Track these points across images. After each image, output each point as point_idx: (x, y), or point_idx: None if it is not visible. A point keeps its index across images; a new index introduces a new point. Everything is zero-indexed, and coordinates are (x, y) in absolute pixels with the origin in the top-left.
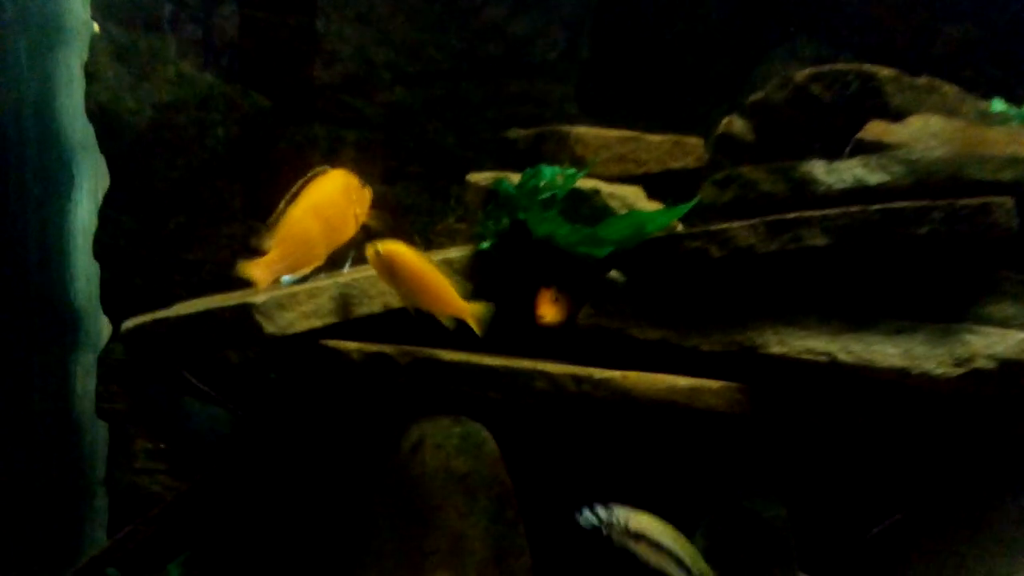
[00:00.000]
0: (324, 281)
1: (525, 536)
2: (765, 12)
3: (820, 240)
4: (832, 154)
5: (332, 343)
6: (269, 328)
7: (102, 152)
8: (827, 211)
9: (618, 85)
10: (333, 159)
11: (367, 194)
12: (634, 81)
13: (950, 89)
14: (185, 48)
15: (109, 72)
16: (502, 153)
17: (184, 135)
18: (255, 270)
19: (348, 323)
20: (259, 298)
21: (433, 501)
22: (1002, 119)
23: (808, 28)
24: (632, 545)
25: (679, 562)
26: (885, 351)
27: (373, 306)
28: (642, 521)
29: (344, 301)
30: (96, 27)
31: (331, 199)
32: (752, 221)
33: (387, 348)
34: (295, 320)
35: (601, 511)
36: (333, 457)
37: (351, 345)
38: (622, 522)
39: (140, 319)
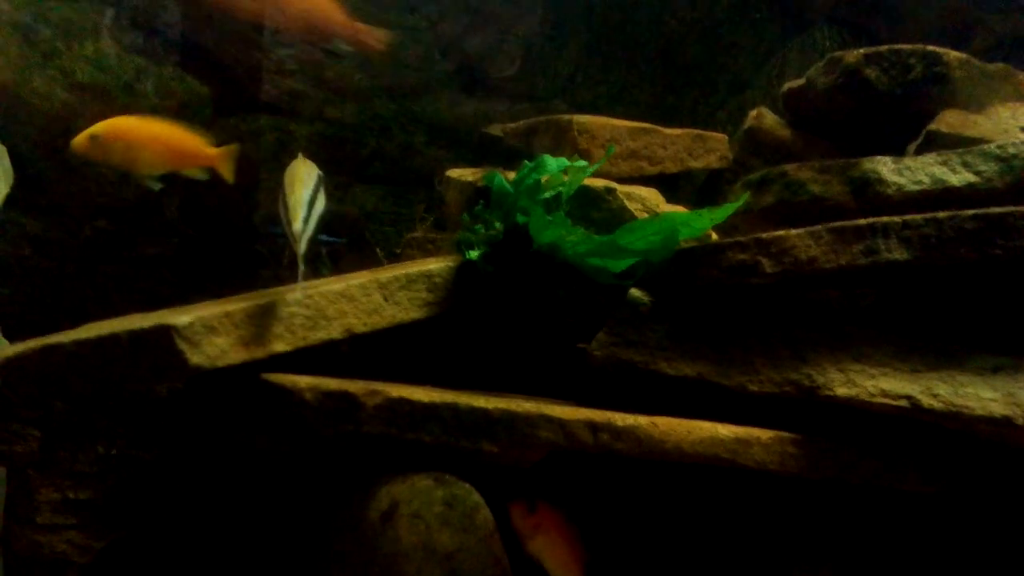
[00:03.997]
0: (266, 298)
1: None
2: (780, 1)
3: (899, 253)
4: (888, 151)
5: (278, 378)
6: (195, 359)
7: (3, 142)
8: (908, 217)
9: (613, 79)
10: (282, 156)
11: None
12: (632, 75)
13: None
14: (106, 22)
15: (12, 47)
16: (482, 153)
17: None
18: None
19: (298, 352)
20: (182, 319)
21: None
22: None
23: (829, 17)
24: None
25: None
26: (980, 395)
27: (332, 331)
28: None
29: (294, 324)
30: None
31: None
32: (814, 228)
33: (350, 385)
34: (230, 348)
35: None
36: (279, 526)
37: (302, 381)
38: None
39: (24, 346)
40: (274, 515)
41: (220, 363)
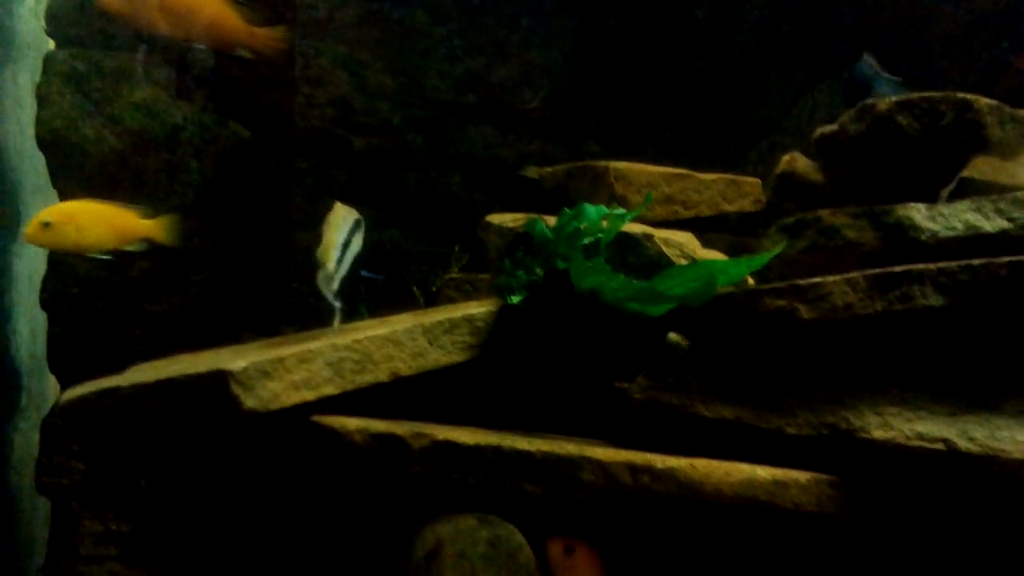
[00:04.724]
0: (316, 343)
1: None
2: (809, 44)
3: (934, 299)
4: (920, 197)
5: (327, 420)
6: (249, 402)
7: (55, 187)
8: (943, 264)
9: (645, 121)
10: (319, 195)
11: None
12: (663, 117)
13: None
14: (154, 71)
15: (65, 95)
16: (518, 195)
17: (151, 169)
18: None
19: (346, 395)
20: (237, 364)
21: None
22: None
23: (856, 61)
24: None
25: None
26: (1016, 438)
27: (379, 374)
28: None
29: (343, 368)
30: (51, 43)
31: None
32: (850, 275)
33: (397, 428)
34: (282, 392)
35: None
36: (325, 566)
37: (351, 423)
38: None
39: (83, 389)
40: (319, 554)
41: (273, 406)
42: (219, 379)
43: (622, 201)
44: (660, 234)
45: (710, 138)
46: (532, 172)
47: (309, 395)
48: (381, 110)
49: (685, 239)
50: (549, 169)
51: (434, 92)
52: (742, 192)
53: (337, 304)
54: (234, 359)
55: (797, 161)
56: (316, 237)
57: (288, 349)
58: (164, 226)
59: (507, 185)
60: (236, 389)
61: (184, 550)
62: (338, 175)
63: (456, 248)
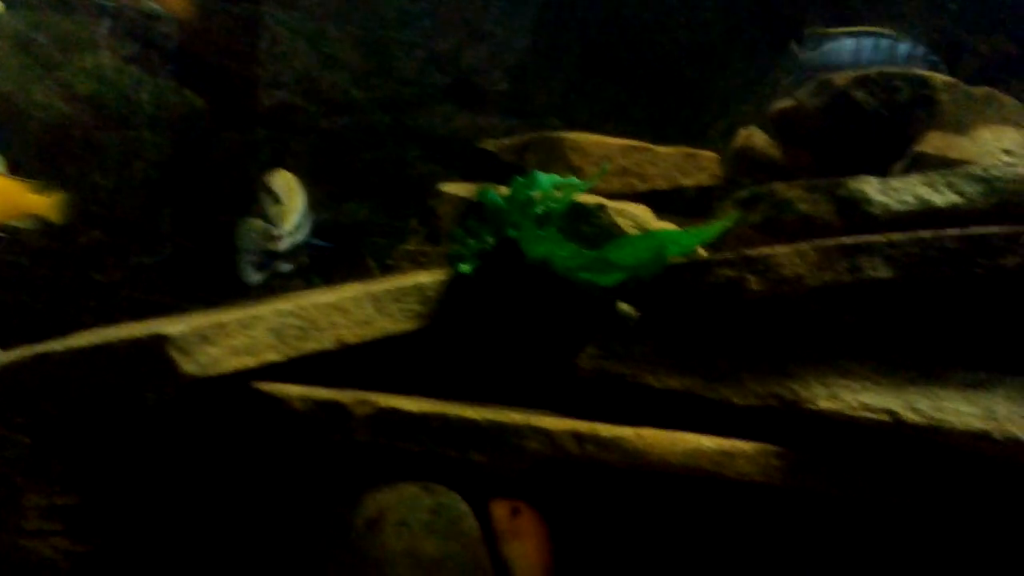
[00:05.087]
0: (260, 308)
1: None
2: (772, 21)
3: (883, 271)
4: (875, 171)
5: (269, 387)
6: (187, 367)
7: (1, 153)
8: (893, 236)
9: (607, 97)
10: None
11: None
12: (625, 93)
13: (1009, 101)
14: (108, 36)
15: (14, 59)
16: (475, 168)
17: (102, 136)
18: None
19: (290, 362)
20: (175, 328)
21: None
22: None
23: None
24: None
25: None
26: (959, 410)
27: (324, 341)
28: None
29: (286, 334)
30: (1, 6)
31: None
32: (800, 246)
33: (340, 395)
34: (222, 357)
35: None
36: (267, 534)
37: (294, 391)
38: None
39: (16, 355)
40: (262, 522)
41: (212, 372)
42: (156, 343)
43: (577, 172)
44: (614, 205)
45: (672, 114)
46: (489, 144)
47: (251, 361)
48: (344, 85)
49: (640, 211)
50: (507, 141)
51: (401, 71)
52: (699, 166)
53: (258, 277)
54: (174, 324)
55: (755, 136)
56: (262, 199)
57: (231, 315)
58: (53, 203)
59: (465, 158)
60: (173, 353)
61: (130, 523)
62: (297, 147)
63: (413, 221)
